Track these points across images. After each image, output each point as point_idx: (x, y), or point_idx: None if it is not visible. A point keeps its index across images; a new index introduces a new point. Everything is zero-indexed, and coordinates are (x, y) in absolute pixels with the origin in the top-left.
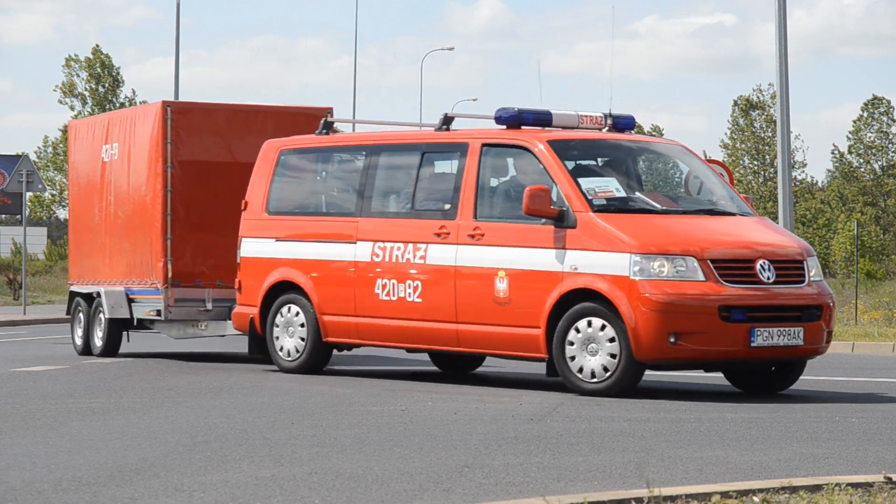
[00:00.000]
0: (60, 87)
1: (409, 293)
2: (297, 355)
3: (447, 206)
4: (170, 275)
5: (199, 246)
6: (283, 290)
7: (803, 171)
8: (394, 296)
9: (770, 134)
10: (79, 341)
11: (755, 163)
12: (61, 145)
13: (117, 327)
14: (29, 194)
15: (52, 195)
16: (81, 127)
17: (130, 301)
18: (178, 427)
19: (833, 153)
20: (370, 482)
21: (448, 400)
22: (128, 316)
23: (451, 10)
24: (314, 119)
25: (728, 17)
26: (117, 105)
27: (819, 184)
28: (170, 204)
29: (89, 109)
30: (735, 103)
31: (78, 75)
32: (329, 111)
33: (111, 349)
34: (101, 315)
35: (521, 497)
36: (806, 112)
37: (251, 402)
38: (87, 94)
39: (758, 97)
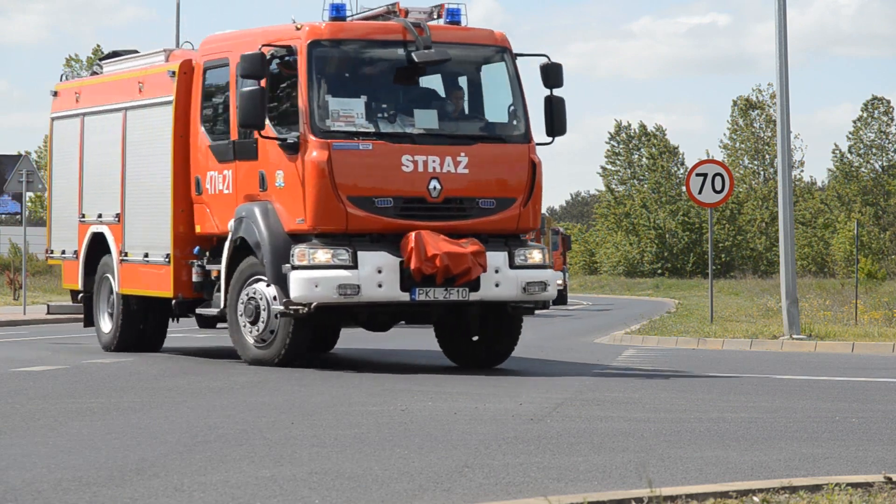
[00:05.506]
0: None
1: None
2: None
3: None
4: None
5: None
6: None
7: (802, 171)
8: None
9: (769, 134)
10: None
11: (755, 163)
12: None
13: None
14: (29, 194)
15: None
16: None
17: None
18: (178, 427)
19: (834, 153)
20: (370, 482)
21: (448, 400)
22: None
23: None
24: None
25: (722, 17)
26: None
27: (819, 184)
28: None
29: None
30: (734, 103)
31: (78, 75)
32: None
33: None
34: None
35: (521, 497)
36: (801, 111)
37: (251, 402)
38: None
39: (757, 97)
